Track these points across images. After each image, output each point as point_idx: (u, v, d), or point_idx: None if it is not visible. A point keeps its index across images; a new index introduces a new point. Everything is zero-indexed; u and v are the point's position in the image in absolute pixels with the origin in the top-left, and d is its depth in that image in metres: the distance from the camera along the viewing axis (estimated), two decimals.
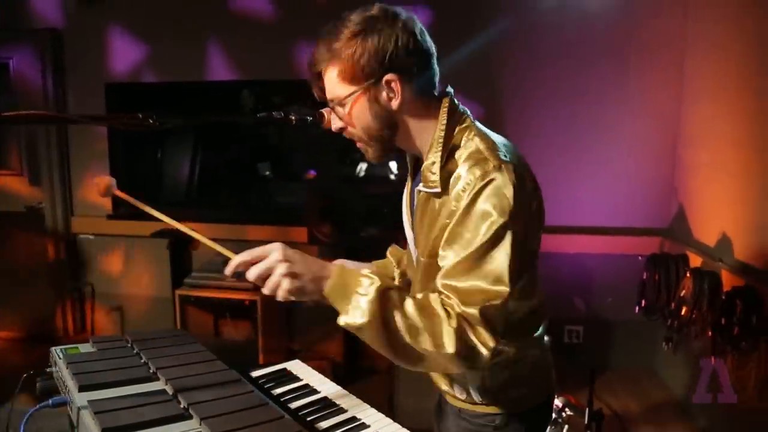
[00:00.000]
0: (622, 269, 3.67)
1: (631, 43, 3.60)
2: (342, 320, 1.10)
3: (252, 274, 1.10)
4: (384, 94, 1.20)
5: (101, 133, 4.20)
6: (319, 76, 1.24)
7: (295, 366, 1.67)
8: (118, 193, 1.52)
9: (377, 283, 1.09)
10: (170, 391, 1.30)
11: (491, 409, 1.36)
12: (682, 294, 3.15)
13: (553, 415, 2.54)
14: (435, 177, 1.20)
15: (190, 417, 1.21)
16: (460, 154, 1.20)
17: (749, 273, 2.72)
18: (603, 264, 3.77)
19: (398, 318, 1.08)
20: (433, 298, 1.13)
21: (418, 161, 1.34)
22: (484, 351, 1.09)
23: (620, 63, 3.63)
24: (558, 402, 2.58)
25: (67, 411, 1.29)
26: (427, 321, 1.09)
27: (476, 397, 1.36)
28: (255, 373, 1.60)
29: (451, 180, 1.18)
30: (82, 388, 1.28)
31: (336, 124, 1.27)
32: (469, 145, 1.20)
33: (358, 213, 3.52)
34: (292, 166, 4.48)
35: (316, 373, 1.64)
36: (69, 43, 4.19)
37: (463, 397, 1.39)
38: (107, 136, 4.21)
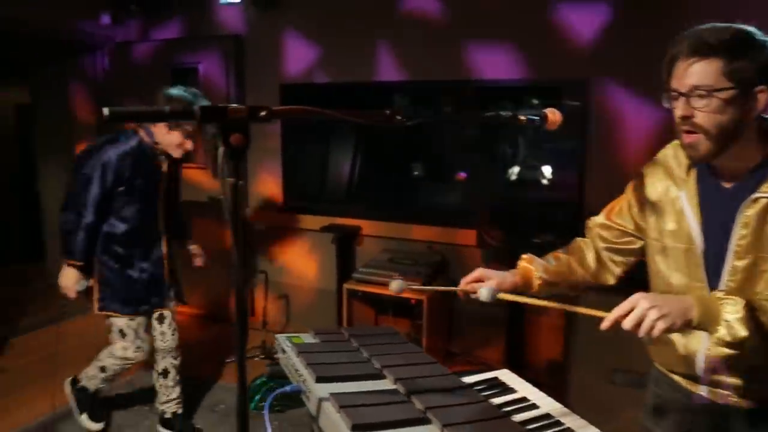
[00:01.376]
0: None
1: None
2: (721, 335, 1.23)
3: (628, 323, 1.22)
4: (750, 101, 1.27)
5: (275, 132, 4.44)
6: (682, 62, 1.28)
7: (506, 375, 1.61)
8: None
9: (740, 301, 1.23)
10: (402, 391, 1.30)
11: None
12: None
13: None
14: None
15: (429, 421, 1.19)
16: None
17: None
18: None
19: None
20: None
21: (710, 171, 1.40)
22: None
23: None
24: None
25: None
26: None
27: None
28: (467, 379, 1.56)
29: None
30: (319, 380, 1.31)
31: (684, 111, 1.30)
32: None
33: (530, 218, 3.40)
34: (444, 166, 4.45)
35: (529, 384, 1.57)
36: (249, 48, 4.48)
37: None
38: (280, 134, 4.44)
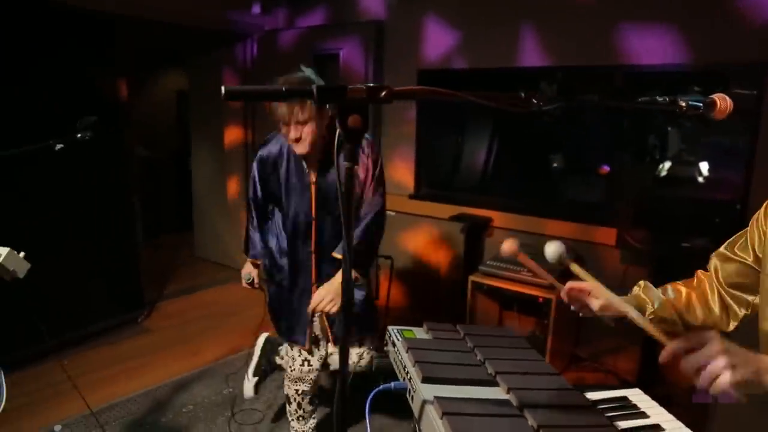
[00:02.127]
0: None
1: None
2: None
3: (690, 363, 1.02)
4: None
5: (411, 117, 4.42)
6: None
7: (636, 395, 1.44)
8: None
9: None
10: (515, 403, 1.19)
11: None
12: None
13: None
14: None
15: None
16: None
17: None
18: None
19: None
20: None
21: None
22: None
23: None
24: None
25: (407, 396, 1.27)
26: None
27: None
28: (590, 395, 1.41)
29: None
30: (425, 380, 1.25)
31: None
32: None
33: (680, 219, 3.05)
34: (585, 159, 4.15)
35: (663, 409, 1.39)
36: (389, 33, 4.48)
37: None
38: (416, 120, 4.41)
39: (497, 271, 3.55)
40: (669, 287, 1.51)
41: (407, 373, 1.32)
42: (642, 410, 1.37)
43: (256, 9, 4.96)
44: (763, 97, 3.08)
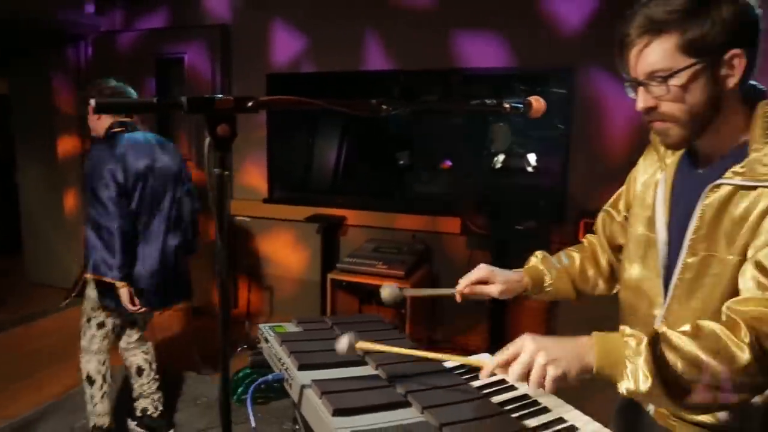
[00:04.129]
0: None
1: None
2: (624, 388, 1.02)
3: (514, 373, 1.04)
4: (723, 70, 1.09)
5: (261, 122, 4.43)
6: (628, 48, 1.14)
7: (487, 360, 1.63)
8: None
9: (644, 339, 1.02)
10: (384, 376, 1.31)
11: None
12: None
13: None
14: (766, 170, 1.09)
15: (409, 404, 1.21)
16: None
17: None
18: None
19: (677, 361, 1.01)
20: (714, 325, 1.03)
21: (688, 153, 1.26)
22: None
23: None
24: None
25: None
26: (704, 342, 1.01)
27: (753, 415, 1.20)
28: (449, 365, 1.58)
29: None
30: (301, 367, 1.33)
31: (647, 102, 1.14)
32: None
33: (513, 205, 3.42)
34: (429, 155, 4.47)
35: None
36: (236, 37, 4.45)
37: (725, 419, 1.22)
38: (266, 124, 4.43)
39: (354, 267, 3.70)
40: (562, 254, 1.56)
41: (283, 364, 1.39)
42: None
43: (90, 8, 4.64)
44: (573, 96, 3.56)
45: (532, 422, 1.29)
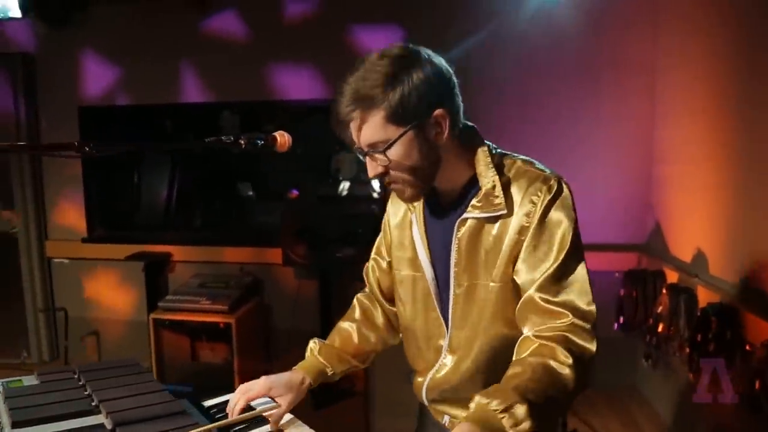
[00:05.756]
0: (600, 286, 3.58)
1: (603, 60, 3.61)
2: None
3: None
4: (432, 130, 1.19)
5: (74, 159, 4.15)
6: (349, 125, 1.20)
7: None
8: None
9: (497, 398, 1.03)
10: (109, 426, 1.25)
11: None
12: (659, 310, 3.13)
13: None
14: (500, 200, 1.21)
15: None
16: (511, 175, 1.24)
17: (723, 288, 2.71)
18: None
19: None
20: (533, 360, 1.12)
21: (432, 194, 1.32)
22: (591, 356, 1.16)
23: (592, 79, 3.64)
24: None
25: None
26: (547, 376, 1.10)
27: None
28: (207, 403, 1.54)
29: (514, 199, 1.22)
30: (15, 425, 1.23)
31: (375, 170, 1.21)
32: (513, 165, 1.26)
33: (334, 233, 3.48)
34: (273, 185, 4.45)
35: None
36: (41, 67, 4.17)
37: None
38: (81, 161, 4.16)
39: (176, 304, 3.56)
40: (336, 336, 1.53)
41: (1, 423, 1.28)
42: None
43: None
44: None
45: None
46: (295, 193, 4.36)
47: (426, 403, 1.44)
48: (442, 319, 1.34)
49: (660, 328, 3.09)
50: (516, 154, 1.31)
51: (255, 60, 3.86)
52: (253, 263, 3.95)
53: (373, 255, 1.57)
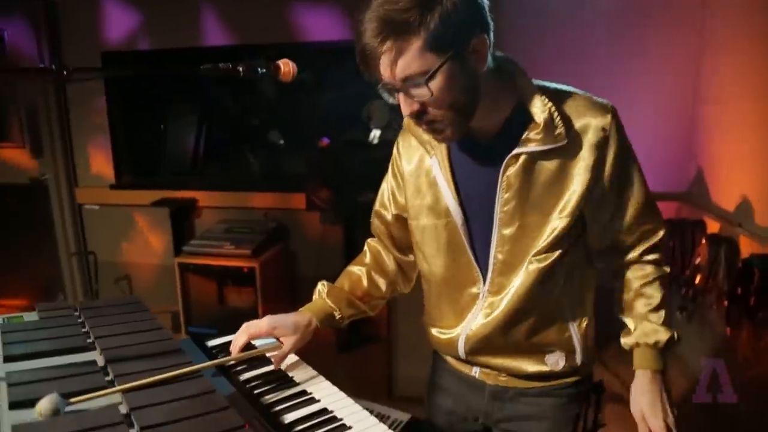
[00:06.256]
0: None
1: None
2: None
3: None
4: (471, 57, 1.06)
5: (101, 107, 4.16)
6: (378, 60, 1.04)
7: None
8: None
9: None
10: (101, 363, 1.22)
11: (575, 378, 1.39)
12: (696, 261, 2.98)
13: None
14: (560, 129, 1.12)
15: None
16: (566, 104, 1.16)
17: None
18: None
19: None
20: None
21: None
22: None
23: (639, 14, 3.38)
24: None
25: None
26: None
27: (578, 359, 1.35)
28: (211, 343, 1.51)
29: (576, 128, 1.15)
30: (7, 359, 1.21)
31: (411, 106, 1.09)
32: (560, 93, 1.18)
33: (358, 178, 3.40)
34: (304, 134, 4.37)
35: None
36: (63, 12, 4.12)
37: (559, 367, 1.33)
38: (106, 110, 4.17)
39: (201, 249, 3.58)
40: (345, 279, 1.49)
41: None
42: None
43: None
44: None
45: (270, 398, 1.25)
46: (325, 141, 4.28)
47: (463, 356, 1.36)
48: (476, 264, 1.26)
49: (697, 280, 2.94)
50: (552, 84, 1.21)
51: (277, 1, 3.72)
52: (279, 209, 3.92)
53: (376, 207, 1.48)
